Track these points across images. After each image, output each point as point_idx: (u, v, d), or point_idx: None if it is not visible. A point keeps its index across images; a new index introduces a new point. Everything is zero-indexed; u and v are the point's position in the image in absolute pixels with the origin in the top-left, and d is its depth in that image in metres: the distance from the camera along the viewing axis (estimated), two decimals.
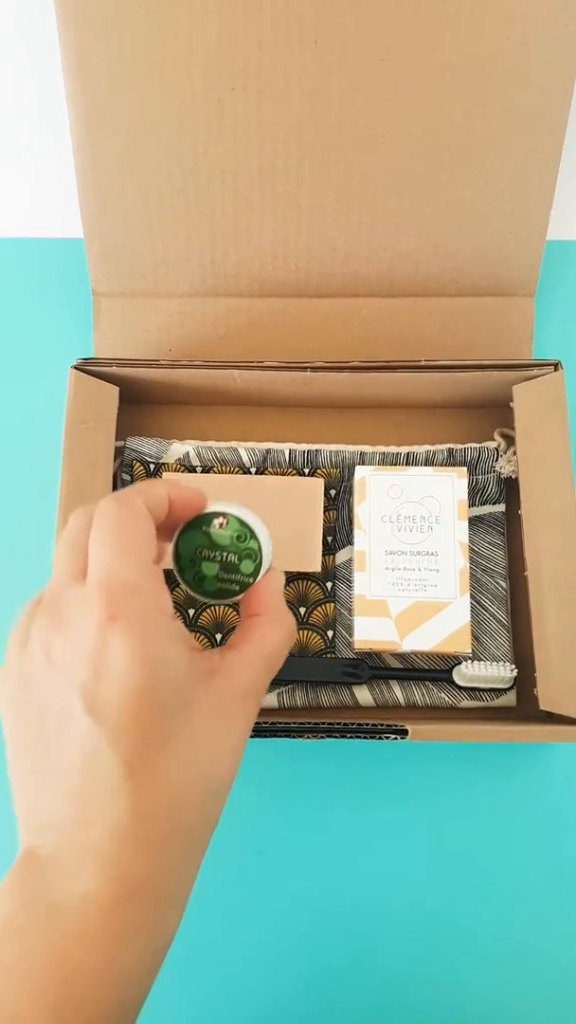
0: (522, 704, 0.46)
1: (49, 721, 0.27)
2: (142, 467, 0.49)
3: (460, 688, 0.47)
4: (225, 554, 0.33)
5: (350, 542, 0.50)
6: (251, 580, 0.33)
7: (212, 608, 0.49)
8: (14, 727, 0.28)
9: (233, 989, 0.44)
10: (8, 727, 0.29)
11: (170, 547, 0.33)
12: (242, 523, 0.33)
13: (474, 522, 0.49)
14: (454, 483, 0.47)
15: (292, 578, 0.50)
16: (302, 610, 0.49)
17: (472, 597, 0.47)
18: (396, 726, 0.41)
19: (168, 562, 0.33)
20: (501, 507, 0.49)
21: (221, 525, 0.33)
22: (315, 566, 0.47)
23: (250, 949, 0.45)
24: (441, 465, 0.49)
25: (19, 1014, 0.24)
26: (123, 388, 0.49)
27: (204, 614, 0.49)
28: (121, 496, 0.29)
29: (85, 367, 0.48)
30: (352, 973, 0.44)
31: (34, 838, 0.27)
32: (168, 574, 0.30)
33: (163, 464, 0.50)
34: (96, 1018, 0.25)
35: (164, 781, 0.26)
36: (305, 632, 0.49)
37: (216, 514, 0.33)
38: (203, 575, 0.33)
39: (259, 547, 0.33)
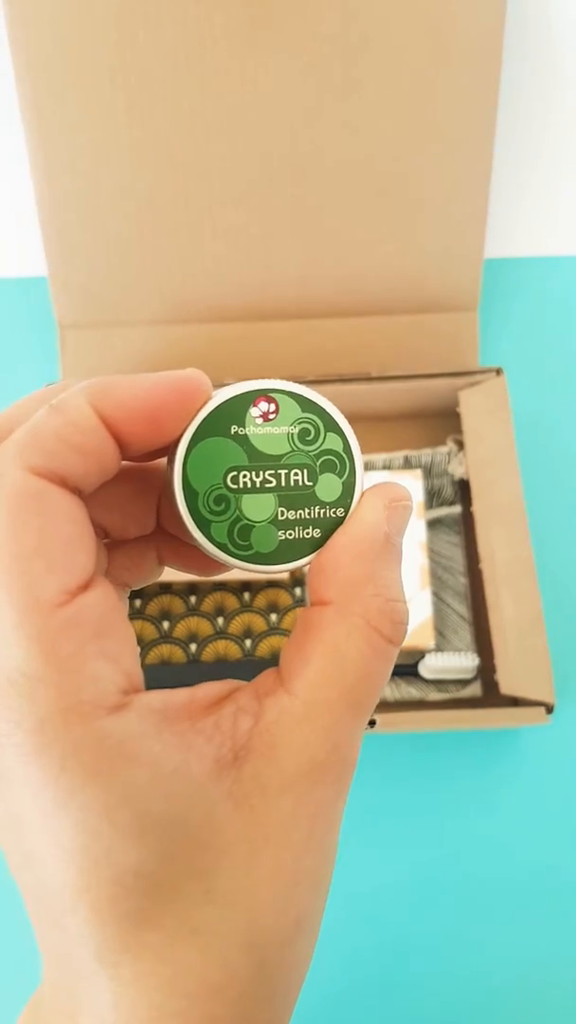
0: (488, 694, 0.48)
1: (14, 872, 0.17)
2: None
3: (427, 681, 0.48)
4: (285, 473, 0.18)
5: None
6: (342, 514, 0.19)
7: (189, 619, 0.51)
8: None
9: None
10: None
11: (174, 487, 0.18)
12: (305, 403, 0.18)
13: (433, 523, 0.51)
14: (410, 485, 0.49)
15: (262, 587, 0.51)
16: (273, 616, 0.51)
17: (434, 594, 0.49)
18: None
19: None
20: (457, 508, 0.52)
21: (266, 416, 0.18)
22: (282, 573, 0.49)
23: None
24: (398, 470, 0.52)
25: None
26: None
27: (179, 626, 0.51)
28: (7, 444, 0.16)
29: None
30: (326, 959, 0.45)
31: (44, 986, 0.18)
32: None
33: None
34: None
35: (167, 970, 0.15)
36: (278, 637, 0.50)
37: (254, 396, 0.18)
38: (248, 523, 0.18)
39: (346, 445, 0.19)
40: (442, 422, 0.54)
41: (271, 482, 0.18)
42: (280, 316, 0.55)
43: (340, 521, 0.18)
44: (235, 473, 0.18)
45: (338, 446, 0.19)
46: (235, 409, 0.18)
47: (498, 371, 0.50)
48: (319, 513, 0.18)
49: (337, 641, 0.17)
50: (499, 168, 0.54)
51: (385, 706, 0.49)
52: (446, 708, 0.48)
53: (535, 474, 0.50)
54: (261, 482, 0.18)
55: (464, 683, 0.48)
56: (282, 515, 0.18)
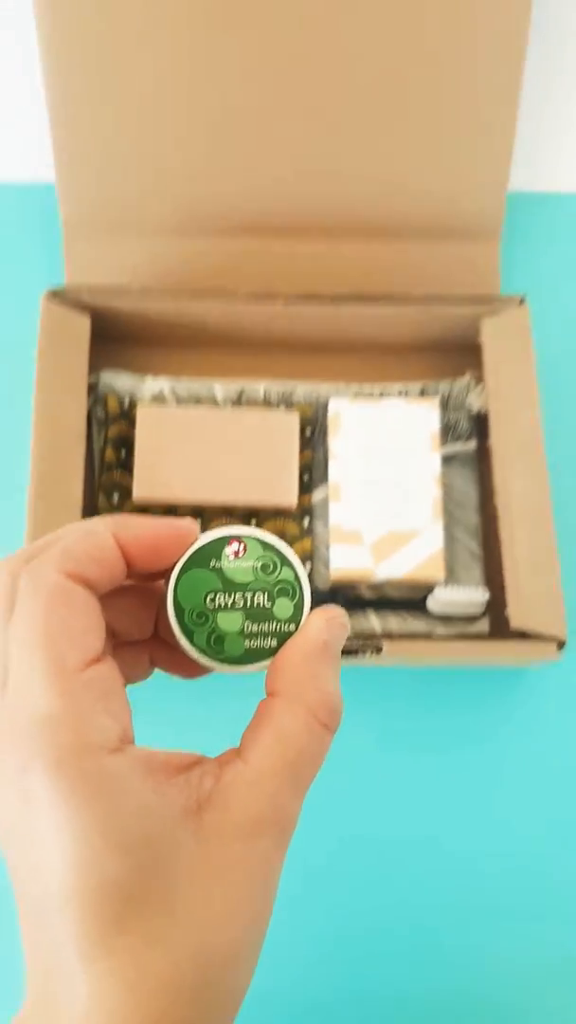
0: (496, 633, 0.48)
1: (12, 874, 0.21)
2: (116, 401, 0.49)
3: (435, 616, 0.48)
4: (250, 595, 0.23)
5: (326, 480, 0.50)
6: (293, 628, 0.23)
7: None
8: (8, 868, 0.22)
9: None
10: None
11: (167, 603, 0.23)
12: (267, 547, 0.24)
13: (448, 459, 0.50)
14: (427, 415, 0.48)
15: (269, 516, 0.50)
16: None
17: (445, 530, 0.49)
18: (372, 641, 0.42)
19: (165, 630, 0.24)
20: (473, 444, 0.50)
21: (238, 554, 0.23)
22: (291, 500, 0.48)
23: None
24: (414, 398, 0.50)
25: None
26: (95, 322, 0.49)
27: None
28: (38, 567, 0.21)
29: (56, 296, 0.48)
30: (329, 897, 0.45)
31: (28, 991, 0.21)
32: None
33: (137, 401, 0.50)
34: None
35: (132, 969, 0.19)
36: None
37: (228, 539, 0.23)
38: (221, 633, 0.23)
39: (296, 575, 0.24)
40: (461, 356, 0.53)
41: (240, 603, 0.23)
42: (298, 234, 0.53)
43: (291, 633, 0.24)
44: (213, 595, 0.23)
45: (291, 576, 0.24)
46: (214, 548, 0.24)
47: (521, 300, 0.48)
48: (275, 627, 0.24)
49: (283, 724, 0.22)
50: (529, 94, 0.52)
51: (390, 639, 0.48)
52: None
53: (554, 409, 0.49)
54: (232, 603, 0.23)
55: (472, 620, 0.48)
56: (248, 628, 0.23)
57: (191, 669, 0.25)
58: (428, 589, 0.48)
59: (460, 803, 0.47)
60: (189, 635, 0.23)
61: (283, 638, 0.23)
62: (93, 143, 0.50)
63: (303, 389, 0.50)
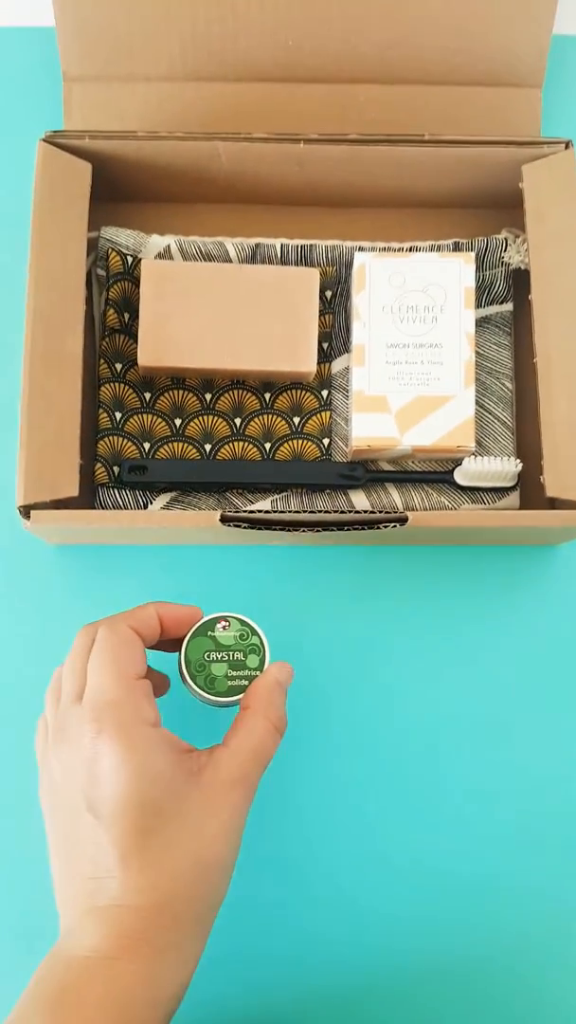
0: (525, 506, 0.45)
1: (68, 820, 0.34)
2: (119, 258, 0.45)
3: (461, 490, 0.44)
4: (232, 653, 0.38)
5: (347, 350, 0.46)
6: (259, 673, 0.37)
7: (203, 417, 0.46)
8: (52, 830, 0.35)
9: None
10: (48, 830, 0.36)
11: (180, 656, 0.37)
12: (243, 623, 0.38)
13: (480, 323, 0.46)
14: (461, 269, 0.43)
15: (285, 388, 0.46)
16: (296, 420, 0.46)
17: (475, 400, 0.45)
18: (395, 514, 0.39)
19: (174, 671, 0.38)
20: (509, 306, 0.46)
21: (224, 628, 0.38)
22: (309, 365, 0.44)
23: None
24: (447, 253, 0.45)
25: None
26: (97, 175, 0.45)
27: (192, 424, 0.46)
28: (112, 623, 0.36)
29: (55, 140, 0.43)
30: (357, 771, 0.43)
31: (64, 918, 0.33)
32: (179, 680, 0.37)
33: (141, 258, 0.46)
34: None
35: (155, 862, 0.31)
36: (300, 441, 0.46)
37: (219, 619, 0.38)
38: (213, 676, 0.37)
39: (261, 641, 0.38)
40: (496, 215, 0.48)
41: (225, 658, 0.38)
42: (319, 78, 0.48)
43: (256, 676, 0.37)
44: (208, 653, 0.38)
45: (258, 642, 0.38)
46: (210, 624, 0.38)
47: (568, 144, 0.44)
48: (248, 673, 0.37)
49: (252, 725, 0.35)
50: None
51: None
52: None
53: None
54: (220, 657, 0.38)
55: (502, 493, 0.44)
56: (230, 674, 0.37)
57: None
58: (454, 462, 0.44)
59: (488, 683, 0.44)
60: (193, 678, 0.37)
61: (252, 679, 0.37)
62: None
63: (324, 246, 0.46)
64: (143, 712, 0.33)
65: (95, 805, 0.32)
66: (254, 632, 0.38)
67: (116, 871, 0.31)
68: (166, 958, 0.31)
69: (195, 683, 0.37)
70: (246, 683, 0.37)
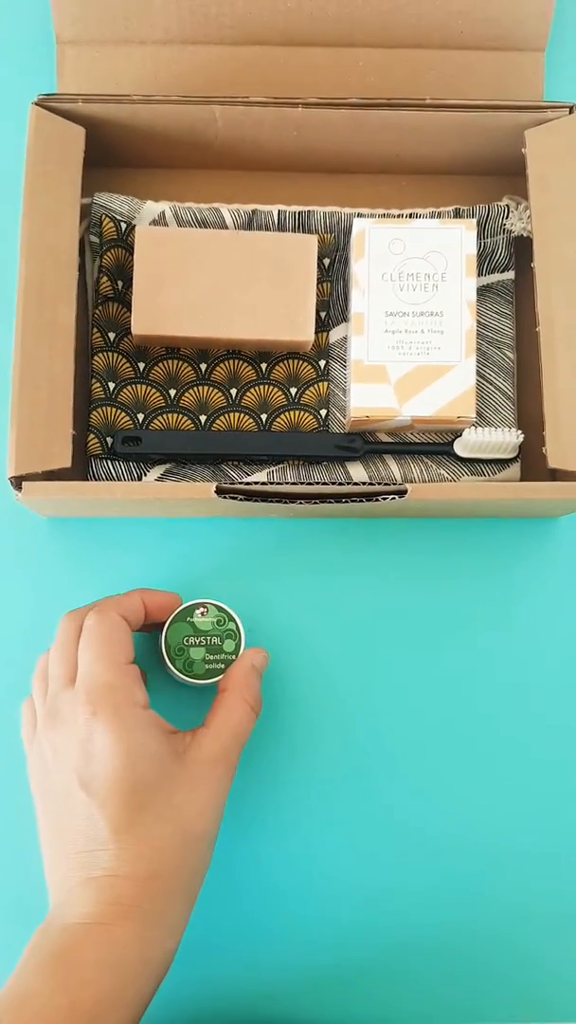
0: (526, 478, 0.44)
1: (60, 800, 0.35)
2: (112, 224, 0.44)
3: (461, 462, 0.44)
4: (209, 638, 0.40)
5: (345, 319, 0.46)
6: (234, 657, 0.40)
7: (198, 388, 0.45)
8: (42, 811, 0.37)
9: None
10: (39, 812, 0.37)
11: (160, 641, 0.40)
12: (220, 609, 0.40)
13: (481, 291, 0.45)
14: (462, 236, 0.42)
15: (282, 358, 0.46)
16: (293, 390, 0.45)
17: (475, 370, 0.44)
18: (395, 486, 0.38)
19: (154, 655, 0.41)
20: (510, 274, 0.45)
21: (203, 614, 0.40)
22: (307, 334, 0.43)
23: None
24: (448, 220, 0.44)
25: (27, 991, 0.31)
26: (90, 140, 0.43)
27: (186, 395, 0.45)
28: (101, 609, 0.37)
29: (47, 104, 0.42)
30: (360, 745, 0.43)
31: (55, 894, 0.35)
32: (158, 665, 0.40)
33: (135, 225, 0.45)
34: (93, 1006, 0.30)
35: (145, 835, 0.33)
36: (297, 412, 0.45)
37: (197, 605, 0.40)
38: (192, 660, 0.39)
39: (237, 627, 0.40)
40: (498, 183, 0.47)
41: (203, 643, 0.40)
42: (318, 41, 0.47)
43: (232, 660, 0.40)
44: (187, 638, 0.40)
45: (234, 627, 0.40)
46: (189, 610, 0.40)
47: (572, 108, 0.42)
48: (224, 658, 0.40)
49: (230, 706, 0.37)
50: None
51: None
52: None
53: None
54: (199, 642, 0.40)
55: (502, 465, 0.44)
56: (207, 658, 0.40)
57: None
58: (454, 433, 0.44)
59: (488, 657, 0.43)
60: (172, 661, 0.40)
61: (228, 663, 0.39)
62: None
63: (322, 213, 0.45)
64: (135, 695, 0.35)
65: (89, 783, 0.33)
66: (231, 618, 0.40)
67: (110, 843, 0.33)
68: (157, 923, 0.33)
69: (175, 666, 0.39)
70: (222, 667, 0.39)
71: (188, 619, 0.40)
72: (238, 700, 0.37)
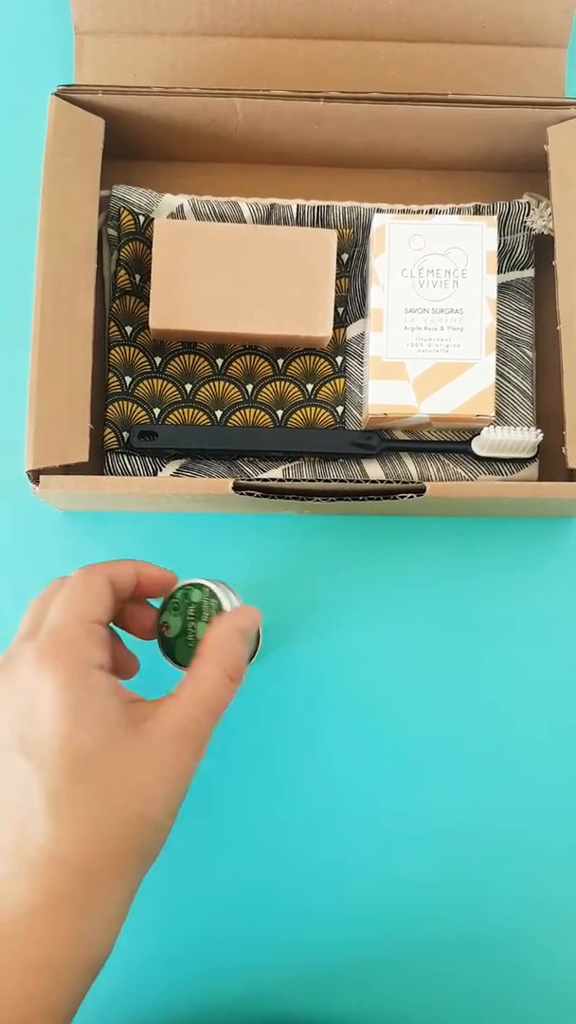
0: (544, 479, 0.44)
1: (2, 758, 0.30)
2: (130, 216, 0.44)
3: (478, 461, 0.43)
4: (198, 608, 0.36)
5: (363, 315, 0.45)
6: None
7: (214, 383, 0.45)
8: None
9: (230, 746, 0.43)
10: None
11: (159, 616, 0.36)
12: (210, 589, 0.36)
13: (501, 289, 0.44)
14: (483, 232, 0.42)
15: (299, 353, 0.45)
16: (310, 387, 0.45)
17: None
18: (413, 484, 0.38)
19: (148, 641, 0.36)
20: (530, 272, 0.45)
21: (197, 593, 0.36)
22: (325, 330, 0.43)
23: (246, 716, 0.43)
24: (468, 216, 0.44)
25: None
26: (109, 127, 0.43)
27: (202, 390, 0.45)
28: (89, 567, 0.34)
29: (67, 95, 0.42)
30: (367, 740, 0.43)
31: None
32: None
33: (153, 218, 0.44)
34: (20, 1015, 0.27)
35: (85, 813, 0.28)
36: (314, 408, 0.45)
37: (195, 583, 0.36)
38: (174, 647, 0.35)
39: (221, 605, 0.35)
40: (518, 180, 0.47)
41: (193, 615, 0.36)
42: (338, 35, 0.46)
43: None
44: (188, 610, 0.36)
45: (219, 601, 0.35)
46: (186, 588, 0.36)
47: None
48: (212, 618, 0.35)
49: (203, 674, 0.32)
50: None
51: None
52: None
53: None
54: (193, 612, 0.36)
55: (520, 465, 0.43)
56: (193, 628, 0.36)
57: (144, 635, 0.37)
58: (472, 432, 0.43)
59: (504, 657, 0.43)
60: (171, 651, 0.35)
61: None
62: None
63: (341, 208, 0.45)
64: (91, 655, 0.30)
65: (26, 744, 0.29)
66: (214, 594, 0.35)
67: (42, 818, 0.28)
68: (94, 916, 0.29)
69: (173, 659, 0.35)
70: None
71: (183, 597, 0.35)
72: (212, 666, 0.32)
